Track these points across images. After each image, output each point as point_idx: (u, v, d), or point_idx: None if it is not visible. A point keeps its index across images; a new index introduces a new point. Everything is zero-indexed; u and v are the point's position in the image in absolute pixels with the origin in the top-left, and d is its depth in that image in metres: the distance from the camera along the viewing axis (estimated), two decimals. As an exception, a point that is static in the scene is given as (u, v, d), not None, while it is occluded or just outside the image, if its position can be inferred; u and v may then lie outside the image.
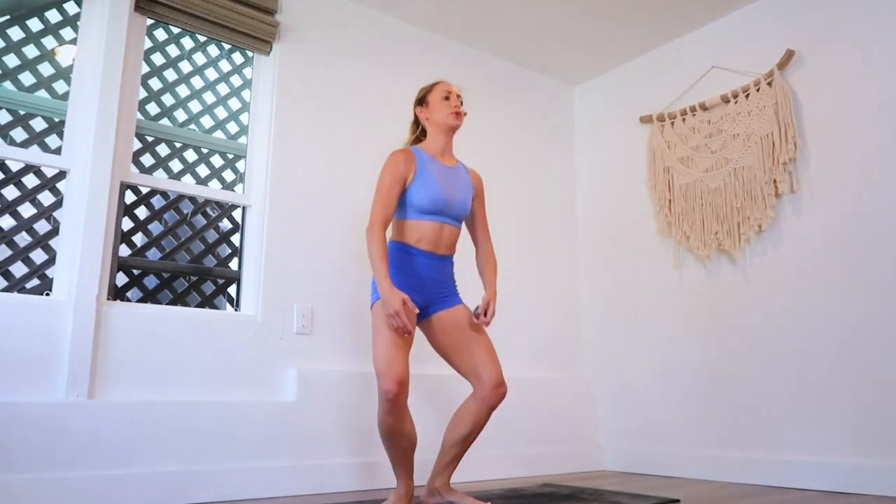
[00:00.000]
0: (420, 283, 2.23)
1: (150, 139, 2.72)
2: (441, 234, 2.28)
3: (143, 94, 2.72)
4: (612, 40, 3.63)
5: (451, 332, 2.28)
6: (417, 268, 2.25)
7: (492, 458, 3.12)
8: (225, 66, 2.98)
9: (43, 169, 2.47)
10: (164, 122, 2.78)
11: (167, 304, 2.66)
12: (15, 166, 2.43)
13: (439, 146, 2.36)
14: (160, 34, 2.82)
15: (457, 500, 2.25)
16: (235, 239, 2.89)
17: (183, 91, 2.85)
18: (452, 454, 2.27)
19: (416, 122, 2.45)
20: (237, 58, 3.01)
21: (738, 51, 3.29)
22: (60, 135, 2.51)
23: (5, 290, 2.32)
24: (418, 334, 2.29)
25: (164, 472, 2.32)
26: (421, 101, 2.41)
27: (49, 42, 2.57)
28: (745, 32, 3.28)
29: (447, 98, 2.36)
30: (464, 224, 2.45)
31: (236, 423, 2.51)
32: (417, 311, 2.12)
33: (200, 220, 2.84)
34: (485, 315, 2.27)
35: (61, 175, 2.49)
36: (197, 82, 2.89)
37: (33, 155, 2.44)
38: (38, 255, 2.43)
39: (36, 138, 2.47)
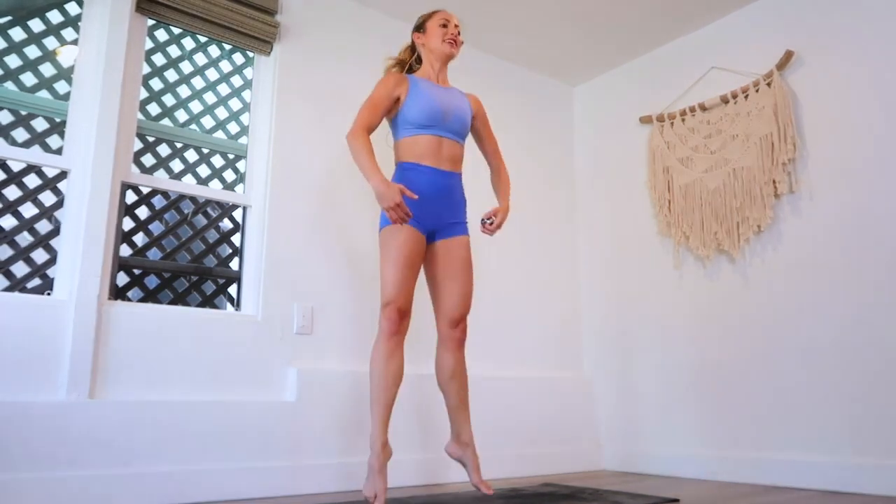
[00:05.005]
0: (429, 205, 2.25)
1: (150, 139, 2.72)
2: (441, 148, 2.32)
3: (144, 94, 2.73)
4: (612, 40, 3.63)
5: (441, 262, 2.33)
6: (423, 187, 2.27)
7: (492, 457, 3.12)
8: (225, 66, 2.98)
9: (44, 169, 2.48)
10: (165, 122, 2.79)
11: (168, 303, 2.67)
12: (16, 166, 2.44)
13: (434, 72, 2.45)
14: (161, 35, 2.83)
15: (469, 468, 2.30)
16: (236, 239, 2.89)
17: (184, 91, 2.85)
18: (459, 412, 2.33)
19: (412, 48, 2.53)
20: (238, 58, 3.01)
21: (738, 51, 3.29)
22: (62, 135, 2.51)
23: (7, 289, 2.33)
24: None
25: (164, 472, 2.33)
26: (419, 27, 2.49)
27: (50, 43, 2.58)
28: (745, 33, 3.28)
29: (444, 26, 2.43)
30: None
31: (236, 423, 2.52)
32: (416, 196, 2.11)
33: (201, 220, 2.84)
34: (491, 223, 2.34)
35: (62, 175, 2.49)
36: (198, 83, 2.90)
37: (34, 155, 2.44)
38: (40, 255, 2.43)
39: (37, 138, 2.48)
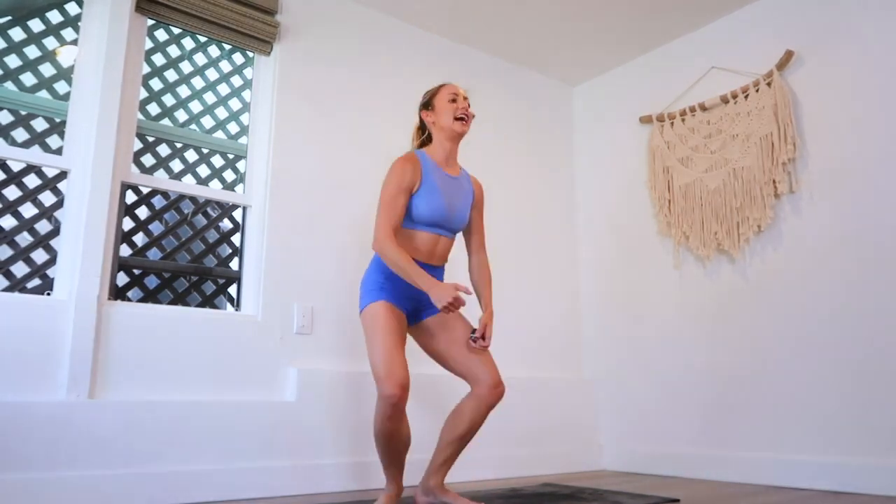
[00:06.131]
0: (411, 289, 2.18)
1: (150, 139, 2.72)
2: (436, 247, 2.26)
3: (143, 94, 2.73)
4: (612, 40, 3.63)
5: (442, 336, 2.25)
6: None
7: (492, 458, 3.13)
8: (225, 66, 2.98)
9: (44, 169, 2.48)
10: (165, 122, 2.79)
11: (168, 303, 2.67)
12: (16, 166, 2.44)
13: (444, 152, 2.31)
14: (161, 34, 2.83)
15: (450, 501, 2.23)
16: (236, 239, 2.89)
17: (184, 91, 2.85)
18: (448, 453, 2.25)
19: (422, 127, 2.39)
20: (238, 58, 3.01)
21: (738, 51, 3.29)
22: (61, 135, 2.51)
23: (6, 289, 2.33)
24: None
25: (164, 472, 2.33)
26: (426, 104, 2.35)
27: (50, 43, 2.58)
28: (745, 33, 3.28)
29: (454, 101, 2.29)
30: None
31: (236, 423, 2.52)
32: (471, 292, 2.11)
33: (201, 220, 2.84)
34: (482, 339, 2.22)
35: (62, 175, 2.49)
36: (197, 82, 2.90)
37: (34, 155, 2.44)
38: (40, 255, 2.43)
39: (37, 138, 2.48)
